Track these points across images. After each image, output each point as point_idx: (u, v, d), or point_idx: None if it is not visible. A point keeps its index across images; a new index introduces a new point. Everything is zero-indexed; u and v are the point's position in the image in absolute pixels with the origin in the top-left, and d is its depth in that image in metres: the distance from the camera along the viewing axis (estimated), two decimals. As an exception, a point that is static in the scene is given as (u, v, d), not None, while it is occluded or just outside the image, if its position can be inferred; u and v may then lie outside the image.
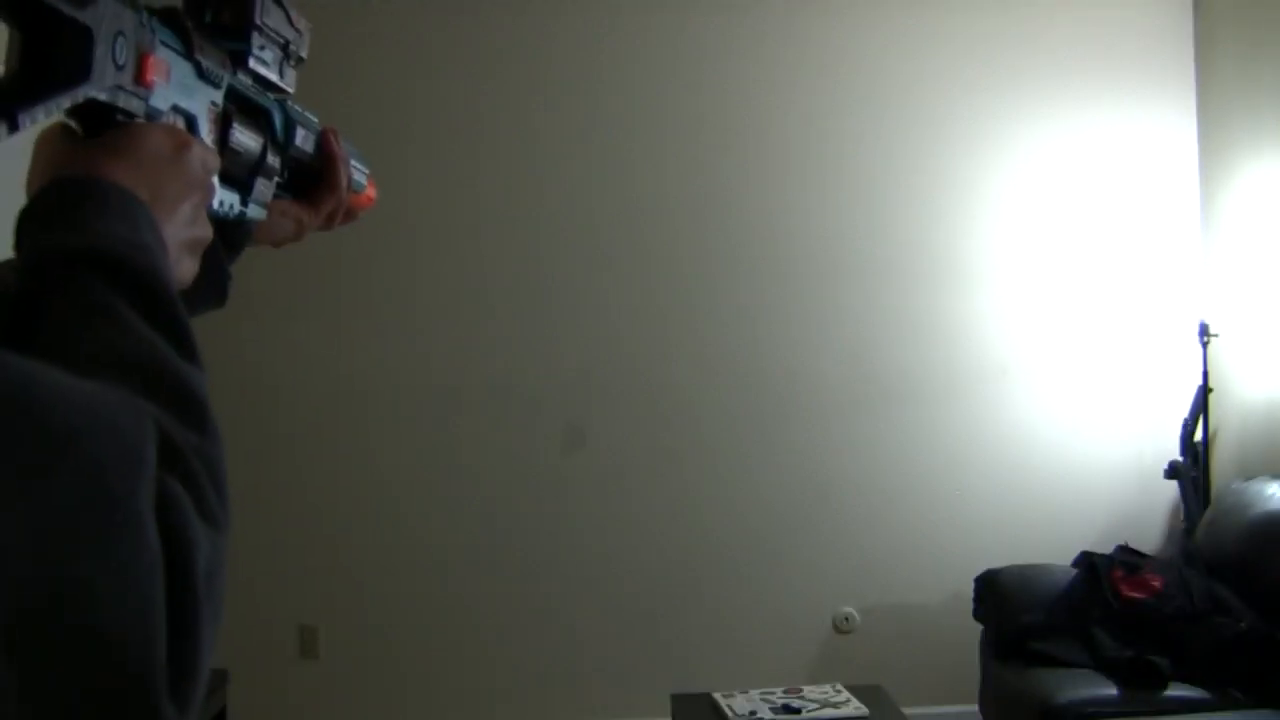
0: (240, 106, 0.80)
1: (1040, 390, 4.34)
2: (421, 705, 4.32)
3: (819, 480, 4.35)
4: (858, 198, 4.35)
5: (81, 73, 0.60)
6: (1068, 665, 3.37)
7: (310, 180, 0.92)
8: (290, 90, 0.87)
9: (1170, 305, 4.32)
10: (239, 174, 0.81)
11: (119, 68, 0.63)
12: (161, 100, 0.68)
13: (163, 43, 0.68)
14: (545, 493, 4.33)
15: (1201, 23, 4.33)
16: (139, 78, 0.65)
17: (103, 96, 0.62)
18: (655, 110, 4.35)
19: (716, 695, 3.42)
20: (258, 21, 0.80)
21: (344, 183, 0.93)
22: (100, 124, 0.66)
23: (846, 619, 4.35)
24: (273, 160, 0.84)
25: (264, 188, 0.84)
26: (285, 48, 0.85)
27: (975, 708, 3.84)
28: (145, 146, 0.67)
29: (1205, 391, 4.08)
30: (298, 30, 0.86)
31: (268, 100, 0.84)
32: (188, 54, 0.72)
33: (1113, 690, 3.21)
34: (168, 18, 0.70)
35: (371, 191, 1.02)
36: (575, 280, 4.34)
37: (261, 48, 0.81)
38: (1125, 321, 4.33)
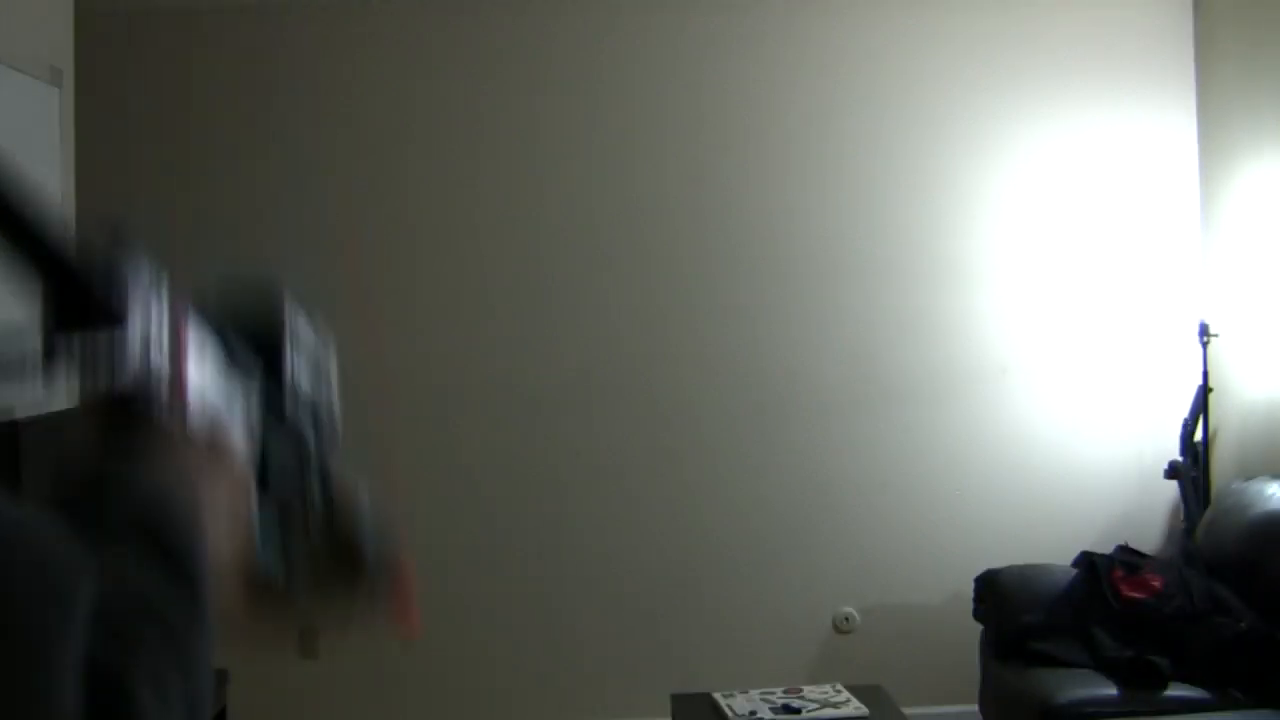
0: (272, 417, 0.77)
1: (1040, 390, 4.34)
2: (421, 705, 4.32)
3: (819, 480, 4.34)
4: (858, 198, 4.35)
5: (117, 317, 0.61)
6: (1068, 665, 3.37)
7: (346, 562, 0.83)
8: (319, 402, 0.82)
9: (1170, 305, 4.31)
10: (270, 494, 0.77)
11: (151, 352, 0.63)
12: (195, 388, 0.68)
13: (196, 331, 0.68)
14: (545, 493, 4.33)
15: (1201, 23, 4.33)
16: (173, 363, 0.66)
17: (133, 376, 0.63)
18: (655, 110, 4.35)
19: (716, 695, 3.42)
20: (288, 329, 0.78)
21: (411, 591, 0.84)
22: (135, 416, 0.66)
23: (846, 619, 4.35)
24: (302, 487, 0.80)
25: (293, 515, 0.79)
26: (317, 368, 0.81)
27: (975, 708, 3.84)
28: (184, 437, 0.67)
29: (1205, 391, 4.08)
30: (326, 361, 0.82)
31: (301, 410, 0.80)
32: (221, 346, 0.71)
33: (1113, 690, 3.21)
34: (202, 308, 0.70)
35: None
36: (575, 280, 4.34)
37: (292, 355, 0.79)
38: (1125, 321, 4.32)
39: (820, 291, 4.35)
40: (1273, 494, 3.47)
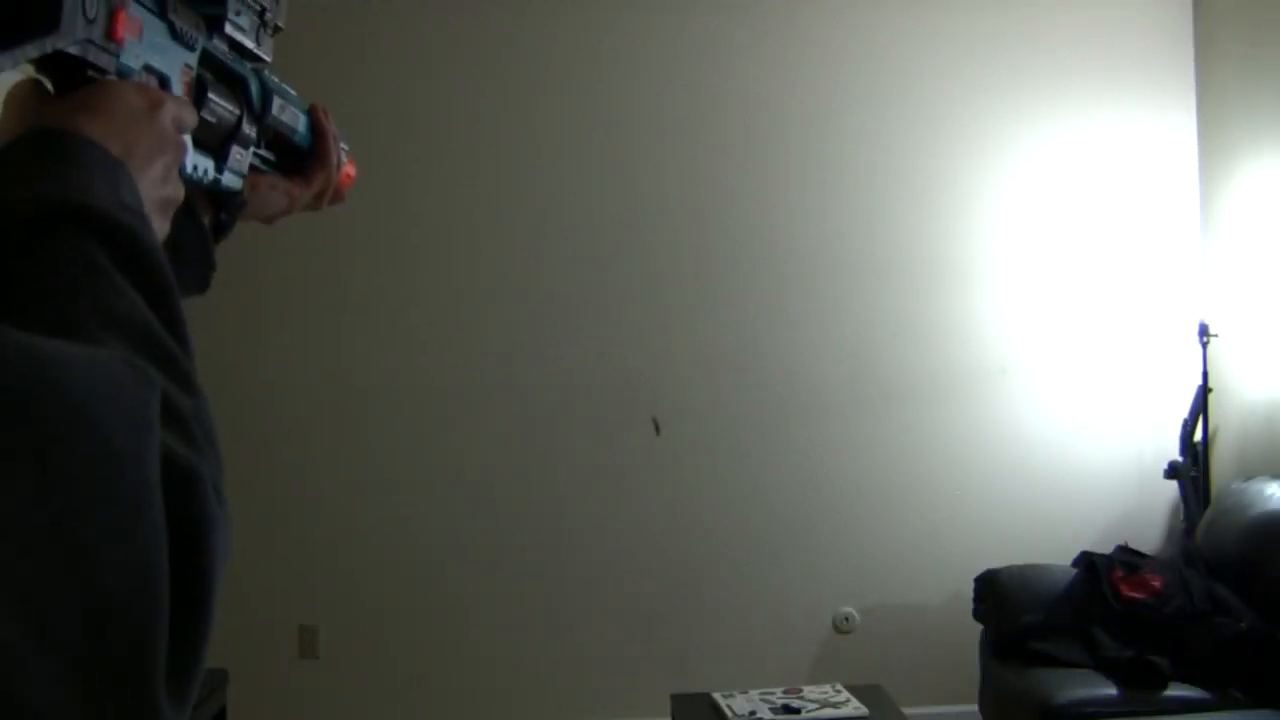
0: (215, 72, 0.79)
1: (1040, 390, 4.34)
2: (421, 705, 4.32)
3: (819, 480, 4.35)
4: (858, 198, 4.35)
5: (50, 23, 0.58)
6: (1068, 665, 3.37)
7: (298, 156, 0.91)
8: (268, 59, 0.86)
9: (1170, 305, 4.32)
10: (213, 141, 0.79)
11: (89, 21, 0.61)
12: (133, 58, 0.67)
13: (135, 10, 0.67)
14: (545, 493, 4.34)
15: (1201, 23, 4.33)
16: (110, 33, 0.64)
17: (73, 50, 0.61)
18: (655, 110, 4.35)
19: (716, 695, 3.42)
20: None
21: (334, 159, 0.93)
22: (70, 80, 0.65)
23: (846, 619, 4.35)
24: (249, 129, 0.82)
25: (240, 156, 0.82)
26: (262, 15, 0.83)
27: (975, 708, 3.84)
28: (118, 102, 0.65)
29: (1205, 391, 4.08)
30: (275, 13, 0.85)
31: (243, 67, 0.83)
32: (161, 13, 0.70)
33: (1113, 690, 3.21)
34: None
35: (351, 169, 1.00)
36: (575, 280, 4.34)
37: (238, 13, 0.80)
38: (1125, 321, 4.33)
39: (820, 291, 4.35)
40: (1273, 494, 3.47)
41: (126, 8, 0.65)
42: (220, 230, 0.83)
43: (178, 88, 0.73)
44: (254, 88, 0.84)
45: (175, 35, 0.72)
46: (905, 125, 4.35)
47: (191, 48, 0.74)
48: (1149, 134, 4.36)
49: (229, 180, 0.81)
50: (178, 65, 0.73)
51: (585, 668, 4.33)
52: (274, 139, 0.88)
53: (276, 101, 0.86)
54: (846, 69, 4.36)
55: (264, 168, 0.87)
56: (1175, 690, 3.20)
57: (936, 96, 4.35)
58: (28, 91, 0.66)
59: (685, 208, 4.35)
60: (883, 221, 4.35)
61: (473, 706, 4.33)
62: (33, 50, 0.58)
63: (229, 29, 0.79)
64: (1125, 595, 3.48)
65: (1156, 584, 3.48)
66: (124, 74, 0.67)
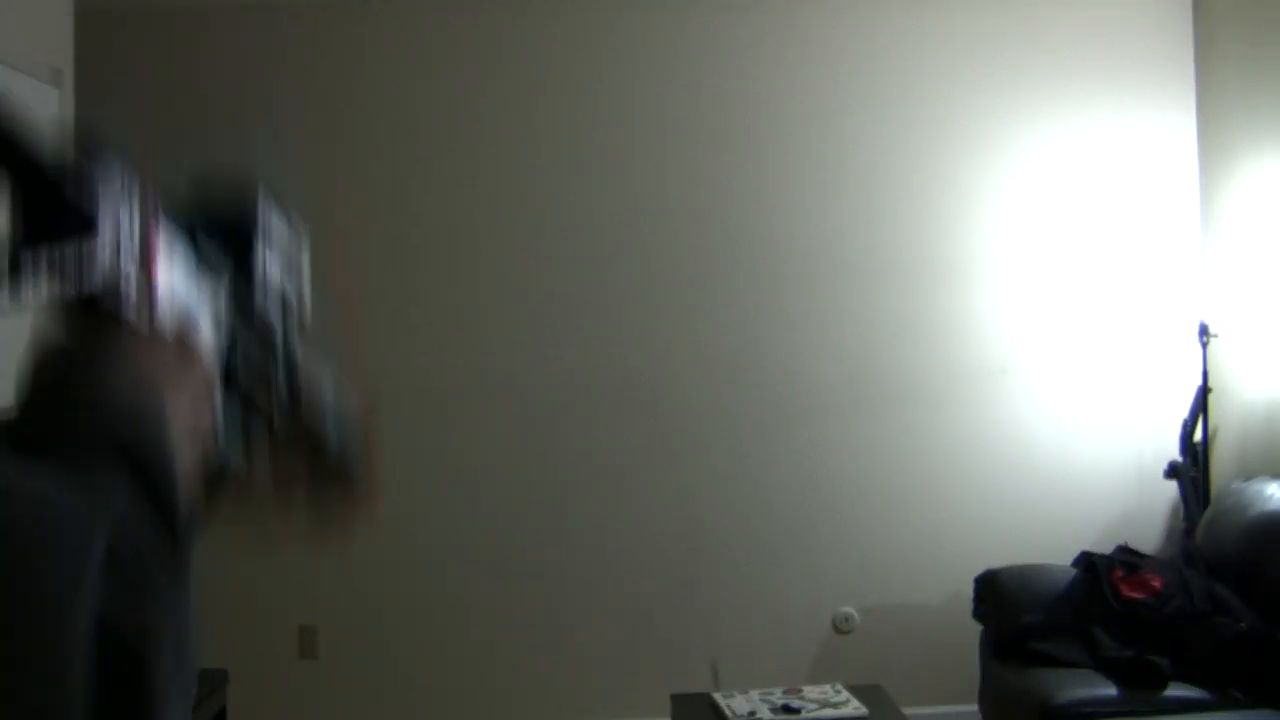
0: (240, 314, 0.77)
1: (1040, 390, 4.34)
2: (421, 705, 4.32)
3: (819, 480, 4.35)
4: (858, 198, 4.35)
5: (86, 225, 0.61)
6: (1068, 665, 3.37)
7: (321, 456, 0.81)
8: (296, 326, 0.81)
9: (1170, 305, 4.32)
10: (231, 385, 0.76)
11: (120, 233, 0.63)
12: (164, 291, 0.68)
13: (166, 233, 0.68)
14: (545, 493, 4.34)
15: (1201, 23, 4.33)
16: (143, 266, 0.66)
17: (103, 278, 0.63)
18: (655, 110, 4.35)
19: (716, 695, 3.42)
20: (260, 223, 0.78)
21: (364, 479, 0.82)
22: (103, 314, 0.66)
23: (846, 619, 4.35)
24: (267, 380, 0.78)
25: (258, 408, 0.77)
26: (289, 261, 0.81)
27: (975, 708, 3.84)
28: (152, 340, 0.67)
29: (1205, 391, 4.08)
30: (299, 254, 0.82)
31: (267, 308, 0.79)
32: (190, 239, 0.72)
33: (1113, 690, 3.21)
34: (173, 210, 0.70)
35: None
36: (575, 280, 4.34)
37: (264, 260, 0.78)
38: (1125, 321, 4.33)
39: (820, 291, 4.35)
40: (1273, 494, 3.47)
41: (158, 243, 0.67)
42: (207, 502, 0.74)
43: (204, 322, 0.72)
44: (278, 340, 0.79)
45: (203, 270, 0.72)
46: (905, 125, 4.35)
47: (218, 282, 0.74)
48: (1149, 134, 4.36)
49: (250, 430, 0.76)
50: (205, 298, 0.73)
51: (585, 668, 4.33)
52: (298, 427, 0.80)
53: (300, 367, 0.80)
54: (846, 69, 4.36)
55: (276, 449, 0.79)
56: (1175, 690, 3.20)
57: (936, 96, 4.35)
58: (61, 323, 0.67)
59: (685, 208, 4.35)
60: (883, 221, 4.34)
61: (473, 706, 4.33)
62: (71, 247, 0.60)
63: (256, 270, 0.77)
64: (1125, 595, 3.48)
65: (1156, 584, 3.48)
66: (153, 304, 0.67)
